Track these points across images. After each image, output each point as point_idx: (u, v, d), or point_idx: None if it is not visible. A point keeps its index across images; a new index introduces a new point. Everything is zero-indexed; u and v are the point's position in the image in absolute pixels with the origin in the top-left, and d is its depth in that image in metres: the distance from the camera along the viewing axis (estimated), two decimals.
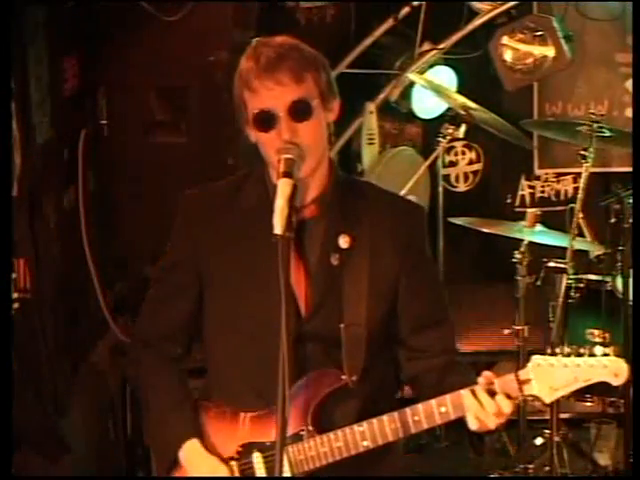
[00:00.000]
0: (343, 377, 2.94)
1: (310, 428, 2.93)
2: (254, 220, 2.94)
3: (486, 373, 2.84)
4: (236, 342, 3.03)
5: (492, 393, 2.80)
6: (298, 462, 2.92)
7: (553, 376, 2.75)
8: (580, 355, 2.73)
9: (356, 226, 2.99)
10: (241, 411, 3.01)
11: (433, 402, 2.85)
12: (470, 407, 2.81)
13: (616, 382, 2.73)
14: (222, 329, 3.06)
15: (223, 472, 2.98)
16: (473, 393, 2.81)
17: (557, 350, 2.76)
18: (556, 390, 2.76)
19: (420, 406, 2.86)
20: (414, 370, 3.06)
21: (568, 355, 2.74)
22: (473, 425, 2.83)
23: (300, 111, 2.87)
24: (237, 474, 2.99)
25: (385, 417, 2.88)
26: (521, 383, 2.79)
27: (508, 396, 2.79)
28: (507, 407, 2.80)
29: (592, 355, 2.72)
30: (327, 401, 2.95)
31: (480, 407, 2.80)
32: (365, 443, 2.88)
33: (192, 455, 3.00)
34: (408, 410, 2.86)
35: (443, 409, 2.84)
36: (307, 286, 2.97)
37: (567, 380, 2.75)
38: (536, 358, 2.78)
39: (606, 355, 2.72)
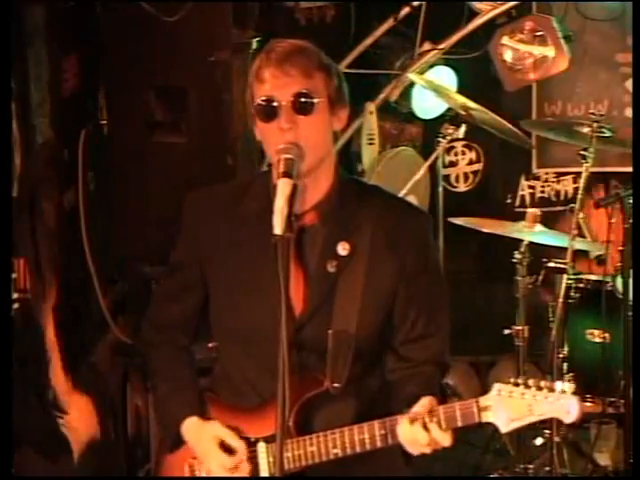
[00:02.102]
0: (325, 383, 2.94)
1: (290, 429, 2.91)
2: (257, 225, 2.94)
3: (424, 402, 2.83)
4: (236, 341, 3.05)
5: (427, 426, 2.79)
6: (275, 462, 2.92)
7: (510, 406, 2.76)
8: (540, 388, 2.75)
9: (357, 233, 2.98)
10: (240, 406, 3.04)
11: (375, 423, 2.86)
12: (402, 434, 2.82)
13: (567, 420, 2.74)
14: (224, 328, 3.09)
15: (224, 433, 2.99)
16: (410, 421, 2.81)
17: (519, 380, 2.77)
18: (513, 420, 2.77)
19: (387, 421, 2.85)
20: (394, 377, 3.05)
21: (529, 387, 2.76)
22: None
23: (303, 104, 2.88)
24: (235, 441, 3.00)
25: (355, 428, 2.88)
26: (480, 409, 2.78)
27: (441, 427, 2.78)
28: (444, 440, 2.79)
29: (551, 390, 2.74)
30: (310, 405, 2.95)
31: (411, 437, 2.80)
32: (335, 451, 2.89)
33: (192, 428, 3.06)
34: (376, 423, 2.86)
35: (382, 432, 2.85)
36: (303, 293, 2.97)
37: (522, 412, 2.76)
38: (497, 386, 2.79)
39: (564, 392, 2.73)
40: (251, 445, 2.99)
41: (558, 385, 2.74)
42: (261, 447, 2.97)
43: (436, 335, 3.05)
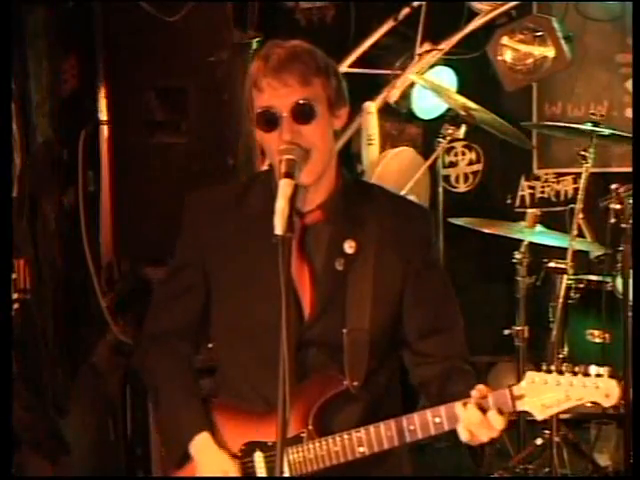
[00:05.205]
0: (345, 382, 2.94)
1: (310, 430, 2.93)
2: (260, 224, 2.93)
3: (479, 387, 2.83)
4: (240, 343, 3.04)
5: (484, 408, 2.79)
6: (297, 464, 2.93)
7: (546, 393, 2.76)
8: (574, 373, 2.74)
9: (362, 231, 2.99)
10: (245, 410, 3.02)
11: (428, 412, 2.85)
12: (463, 420, 2.81)
13: (607, 403, 2.73)
14: (227, 330, 3.08)
15: (232, 468, 2.98)
16: (464, 406, 2.80)
17: (552, 367, 2.76)
18: (548, 407, 2.76)
19: (415, 415, 2.86)
20: (421, 375, 3.06)
21: (562, 373, 2.75)
22: (464, 437, 2.82)
23: (303, 113, 2.87)
24: (239, 472, 2.99)
25: (382, 424, 2.88)
26: (514, 398, 2.78)
27: (500, 411, 2.78)
28: (498, 423, 2.78)
29: (586, 374, 2.73)
30: (329, 405, 2.95)
31: (471, 420, 2.79)
32: (361, 449, 2.88)
33: (203, 449, 3.01)
34: (404, 419, 2.86)
35: (437, 420, 2.83)
36: (311, 291, 2.97)
37: (559, 398, 2.75)
38: (530, 374, 2.78)
39: (599, 375, 2.72)
40: (269, 449, 2.96)
41: (592, 369, 2.73)
42: None
43: (451, 330, 3.07)
